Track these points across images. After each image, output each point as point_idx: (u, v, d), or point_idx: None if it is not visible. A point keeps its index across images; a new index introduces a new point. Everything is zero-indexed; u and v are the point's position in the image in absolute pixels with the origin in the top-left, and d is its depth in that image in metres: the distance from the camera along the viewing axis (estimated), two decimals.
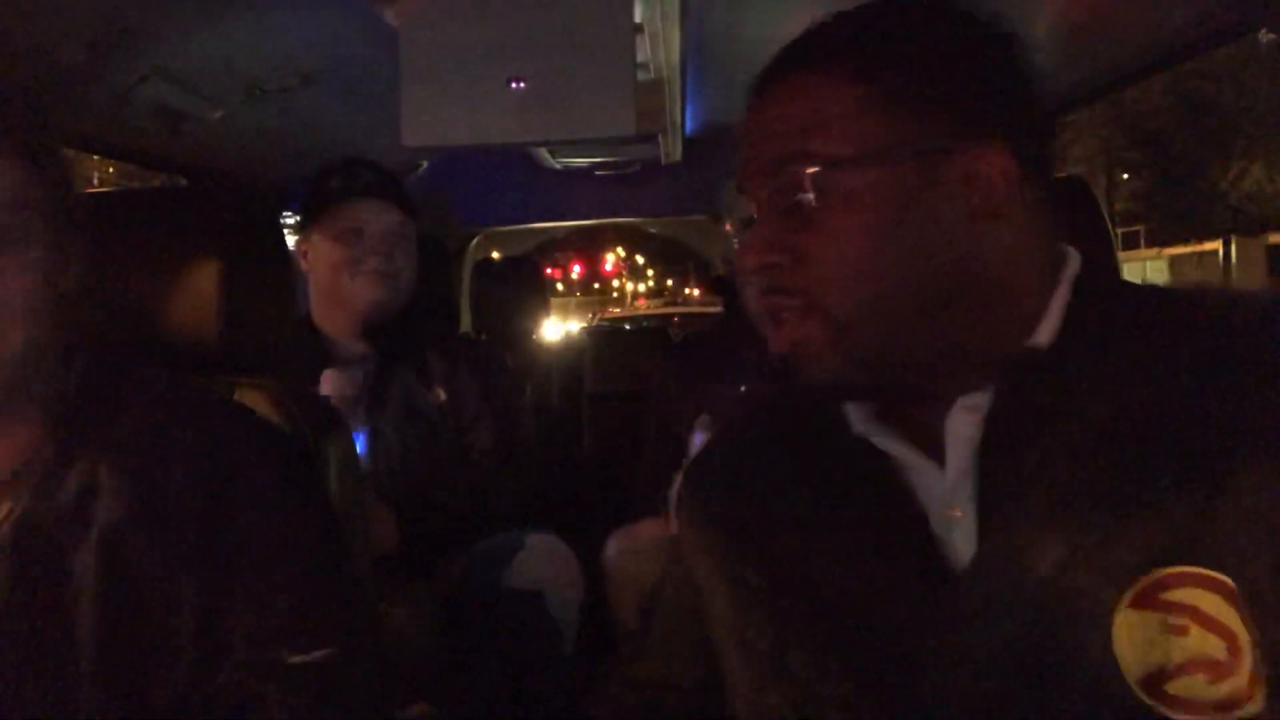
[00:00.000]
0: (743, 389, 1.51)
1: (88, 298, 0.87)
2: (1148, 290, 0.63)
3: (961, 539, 0.59)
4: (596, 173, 2.63)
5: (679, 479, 1.39)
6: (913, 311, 0.59)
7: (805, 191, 0.58)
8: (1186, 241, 21.68)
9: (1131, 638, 0.52)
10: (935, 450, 0.61)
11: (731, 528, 0.68)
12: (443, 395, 1.61)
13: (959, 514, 0.59)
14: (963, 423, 0.60)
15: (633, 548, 1.44)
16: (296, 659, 0.71)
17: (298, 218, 1.68)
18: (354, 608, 0.81)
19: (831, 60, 0.61)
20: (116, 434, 0.73)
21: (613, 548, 1.48)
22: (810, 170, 0.58)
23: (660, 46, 1.58)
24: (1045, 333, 0.60)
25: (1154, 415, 0.55)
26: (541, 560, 1.48)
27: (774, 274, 0.61)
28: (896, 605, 0.59)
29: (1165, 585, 0.52)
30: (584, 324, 11.45)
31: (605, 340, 2.81)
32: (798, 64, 0.62)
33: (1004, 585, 0.55)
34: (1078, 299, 0.61)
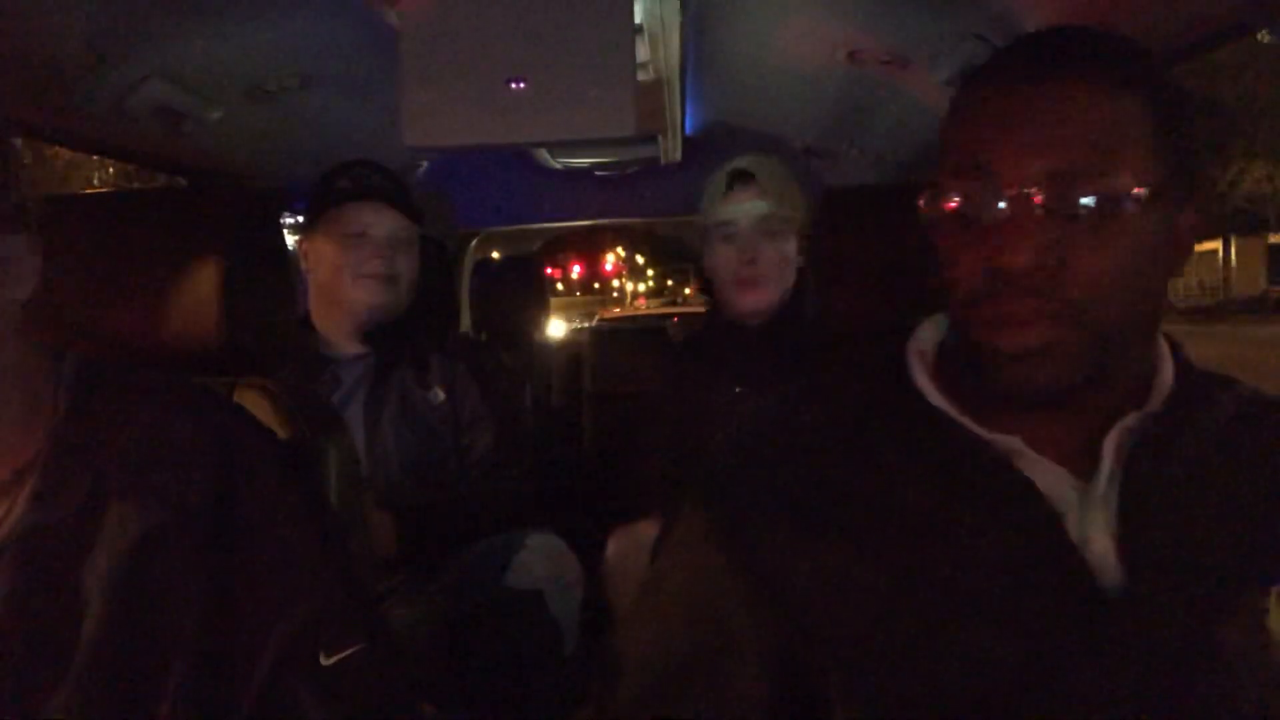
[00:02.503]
0: (737, 390, 1.51)
1: (64, 301, 0.87)
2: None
3: (1098, 551, 0.61)
4: (596, 173, 2.63)
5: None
6: (1138, 335, 0.64)
7: (1100, 206, 0.59)
8: None
9: None
10: (1062, 460, 0.64)
11: (833, 533, 0.65)
12: (441, 396, 1.61)
13: (1097, 526, 0.62)
14: (1116, 442, 0.63)
15: (635, 547, 1.43)
16: (330, 660, 0.71)
17: (299, 218, 1.68)
18: (370, 601, 0.80)
19: (1123, 80, 0.61)
20: (119, 438, 0.72)
21: (614, 546, 1.48)
22: (1129, 189, 0.59)
23: (660, 47, 1.58)
24: (1168, 377, 0.66)
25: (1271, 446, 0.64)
26: (541, 560, 1.48)
27: (1040, 277, 0.60)
28: (1044, 615, 0.60)
29: None
30: (623, 311, 11.51)
31: (605, 340, 2.80)
32: (1085, 68, 0.61)
33: (1161, 603, 0.59)
34: (1176, 356, 0.68)
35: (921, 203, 0.65)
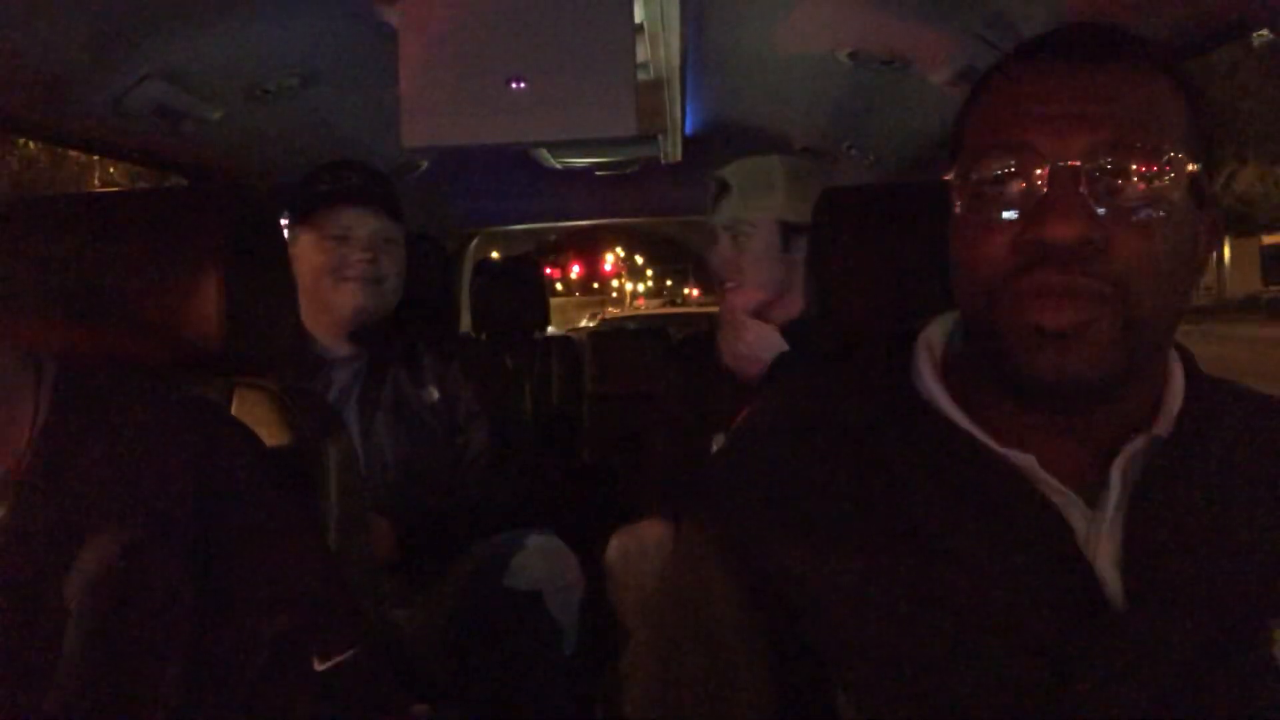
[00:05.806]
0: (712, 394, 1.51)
1: (62, 301, 0.87)
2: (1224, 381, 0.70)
3: (1104, 577, 0.60)
4: (596, 173, 2.63)
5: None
6: (1162, 335, 0.62)
7: (1143, 184, 0.58)
8: None
9: None
10: (1070, 483, 0.62)
11: (843, 549, 0.63)
12: (435, 395, 1.61)
13: (1104, 554, 0.61)
14: (1123, 468, 0.62)
15: (637, 547, 1.43)
16: (324, 665, 0.71)
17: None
18: (362, 605, 0.80)
19: (1158, 66, 0.61)
20: (100, 447, 0.72)
21: (616, 547, 1.47)
22: (1171, 169, 0.58)
23: (660, 46, 1.58)
24: (1177, 395, 0.65)
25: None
26: (541, 560, 1.48)
27: (1085, 253, 0.58)
28: (1057, 633, 0.59)
29: None
30: (622, 312, 11.58)
31: (605, 340, 2.81)
32: (1121, 52, 0.60)
33: (1163, 625, 0.58)
34: (1187, 368, 0.67)
35: (949, 177, 0.63)
